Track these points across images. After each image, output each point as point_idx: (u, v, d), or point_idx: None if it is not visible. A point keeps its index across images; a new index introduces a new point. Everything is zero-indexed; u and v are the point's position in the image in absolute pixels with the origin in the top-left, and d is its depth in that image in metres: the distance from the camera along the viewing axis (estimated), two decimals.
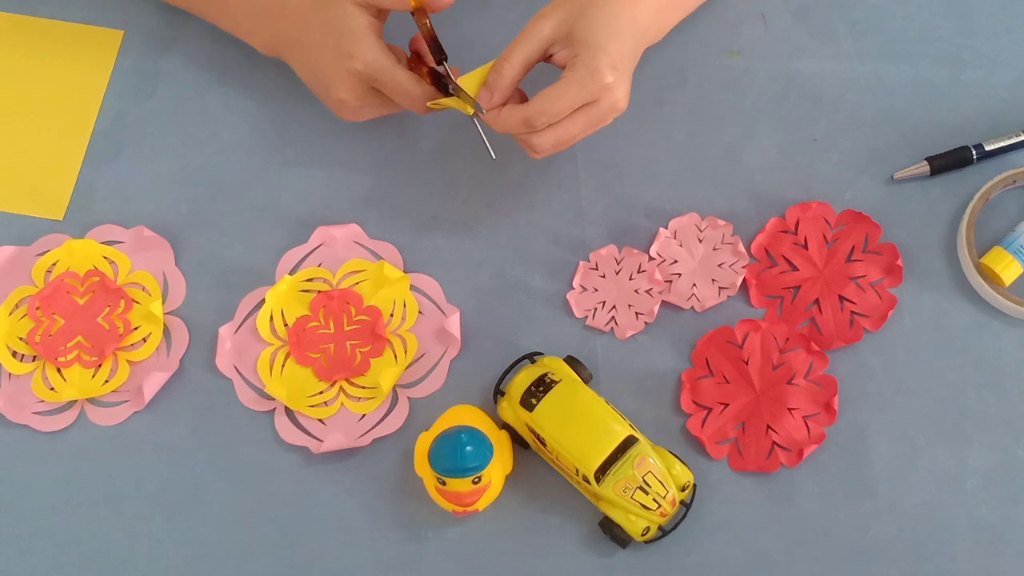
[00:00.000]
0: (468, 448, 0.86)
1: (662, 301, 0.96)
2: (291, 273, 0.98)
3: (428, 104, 0.90)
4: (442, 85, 0.90)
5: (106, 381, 0.96)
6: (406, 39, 0.93)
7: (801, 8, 1.04)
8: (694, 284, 0.96)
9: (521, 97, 0.90)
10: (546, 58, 0.89)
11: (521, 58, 0.87)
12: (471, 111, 0.88)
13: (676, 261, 0.97)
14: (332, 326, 0.97)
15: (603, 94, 0.86)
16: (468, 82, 0.89)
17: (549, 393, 0.89)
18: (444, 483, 0.87)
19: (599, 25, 0.86)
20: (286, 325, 0.97)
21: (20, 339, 0.97)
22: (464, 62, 0.91)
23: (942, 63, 1.02)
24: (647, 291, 0.96)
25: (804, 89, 1.02)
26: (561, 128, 0.87)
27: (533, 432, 0.89)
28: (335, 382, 0.95)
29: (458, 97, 0.89)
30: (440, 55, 0.90)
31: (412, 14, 0.90)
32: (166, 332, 0.97)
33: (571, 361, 0.92)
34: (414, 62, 0.93)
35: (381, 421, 0.94)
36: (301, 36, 0.92)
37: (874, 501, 0.91)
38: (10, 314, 0.97)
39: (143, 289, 0.98)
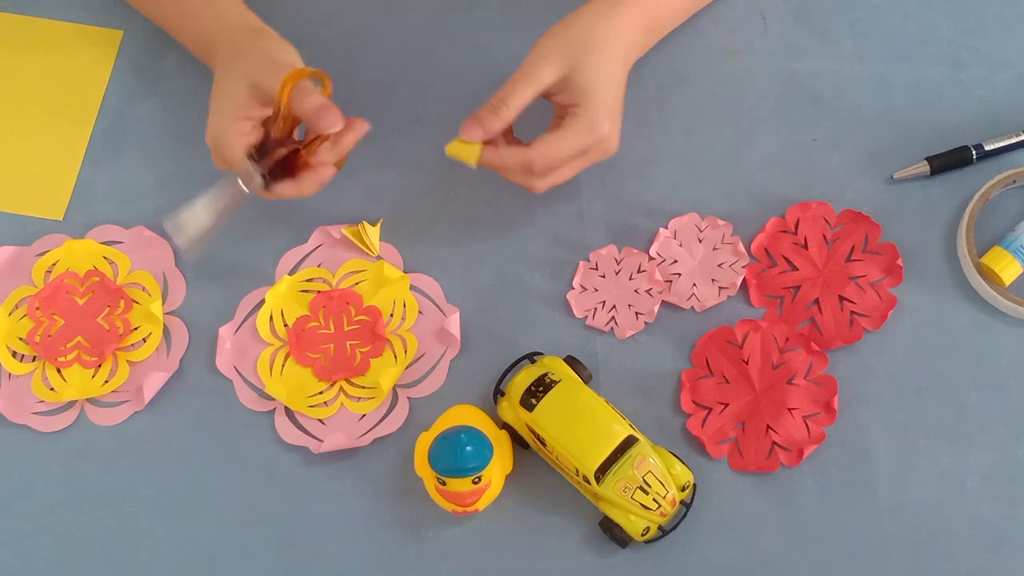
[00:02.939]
0: (468, 448, 0.86)
1: (662, 301, 0.96)
2: (291, 273, 0.98)
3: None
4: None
5: (106, 381, 0.96)
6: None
7: (801, 8, 1.04)
8: (694, 284, 0.96)
9: (508, 137, 0.92)
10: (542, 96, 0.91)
11: (518, 105, 0.89)
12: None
13: (676, 261, 0.97)
14: (332, 326, 0.97)
15: (599, 143, 0.90)
16: (458, 147, 0.90)
17: (549, 393, 0.89)
18: (444, 483, 0.87)
19: (595, 73, 0.89)
20: (286, 325, 0.97)
21: (20, 339, 0.97)
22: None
23: (942, 63, 1.02)
24: (647, 291, 0.96)
25: (804, 89, 1.02)
26: (559, 173, 0.90)
27: (533, 432, 0.89)
28: (335, 382, 0.95)
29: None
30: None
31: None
32: (166, 332, 0.97)
33: (571, 361, 0.92)
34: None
35: (381, 421, 0.94)
36: (225, 70, 0.91)
37: (874, 501, 0.91)
38: (10, 314, 0.97)
39: (143, 289, 0.98)
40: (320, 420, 0.94)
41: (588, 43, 0.89)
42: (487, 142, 0.89)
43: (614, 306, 0.96)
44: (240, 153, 0.88)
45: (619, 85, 0.91)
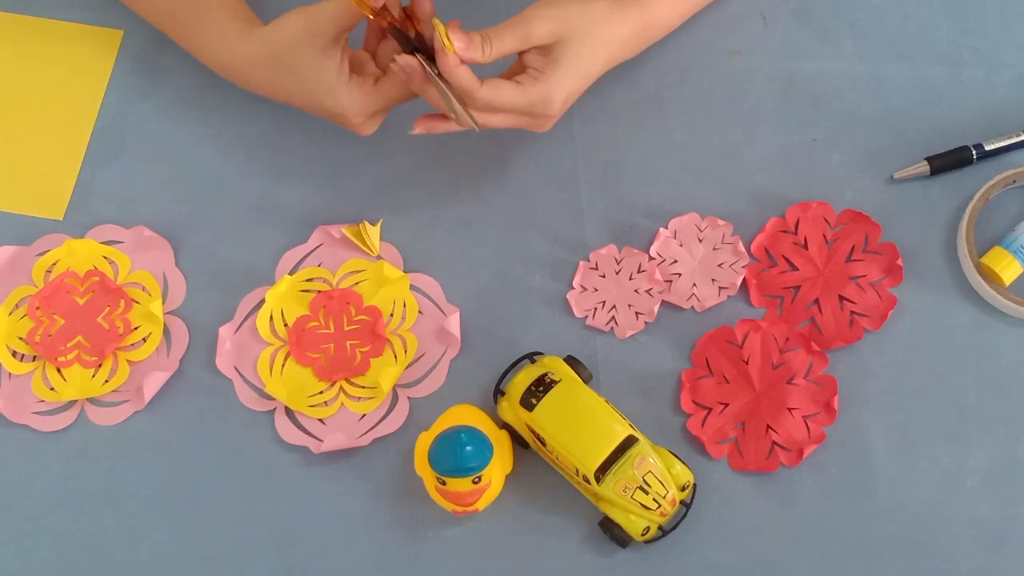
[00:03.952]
0: (468, 448, 0.86)
1: (662, 301, 0.96)
2: (291, 273, 0.98)
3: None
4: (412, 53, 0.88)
5: (106, 381, 0.96)
6: None
7: (801, 8, 1.04)
8: (694, 284, 0.96)
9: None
10: None
11: (501, 49, 0.87)
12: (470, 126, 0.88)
13: (676, 261, 0.97)
14: (332, 326, 0.97)
15: (541, 119, 0.90)
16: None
17: (549, 393, 0.89)
18: (444, 483, 0.87)
19: (578, 58, 0.89)
20: (286, 325, 0.97)
21: (20, 339, 0.97)
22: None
23: (942, 63, 1.02)
24: (647, 291, 0.96)
25: (804, 89, 1.02)
26: (493, 117, 0.89)
27: (533, 432, 0.89)
28: (335, 382, 0.95)
29: (437, 77, 0.87)
30: (410, 48, 0.88)
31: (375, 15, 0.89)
32: (166, 332, 0.97)
33: (571, 361, 0.92)
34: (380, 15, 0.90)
35: (381, 421, 0.94)
36: (277, 93, 0.93)
37: (874, 501, 0.91)
38: (10, 314, 0.97)
39: (143, 289, 0.98)
40: (320, 420, 0.94)
41: (590, 31, 0.89)
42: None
43: (614, 306, 0.96)
44: (377, 93, 0.90)
45: (589, 82, 0.91)
